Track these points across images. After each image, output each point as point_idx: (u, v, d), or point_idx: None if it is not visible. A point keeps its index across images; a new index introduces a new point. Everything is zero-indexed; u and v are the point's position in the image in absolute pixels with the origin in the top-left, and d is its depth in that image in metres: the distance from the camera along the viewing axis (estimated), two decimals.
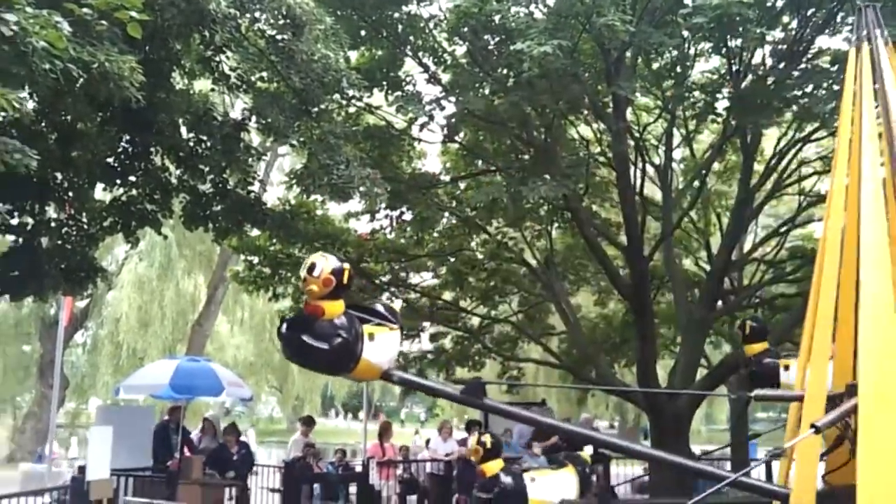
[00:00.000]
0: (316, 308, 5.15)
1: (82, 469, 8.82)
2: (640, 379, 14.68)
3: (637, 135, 14.02)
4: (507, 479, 8.31)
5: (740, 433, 17.62)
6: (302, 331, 5.14)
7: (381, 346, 5.71)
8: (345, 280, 5.21)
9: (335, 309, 5.19)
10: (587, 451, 10.62)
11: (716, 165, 15.82)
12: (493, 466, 7.89)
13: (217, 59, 10.23)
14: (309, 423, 13.71)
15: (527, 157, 13.50)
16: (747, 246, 17.41)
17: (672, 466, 8.40)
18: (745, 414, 19.44)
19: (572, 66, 10.63)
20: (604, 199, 15.05)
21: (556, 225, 16.05)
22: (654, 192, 16.04)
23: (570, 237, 16.57)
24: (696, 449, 16.34)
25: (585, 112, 13.54)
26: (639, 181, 14.13)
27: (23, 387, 29.36)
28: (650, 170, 15.06)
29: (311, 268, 5.10)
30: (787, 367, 9.13)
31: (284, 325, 5.42)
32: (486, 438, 7.95)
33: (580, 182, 13.06)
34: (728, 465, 14.17)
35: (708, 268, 16.09)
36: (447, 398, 8.18)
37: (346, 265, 5.28)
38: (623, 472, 15.00)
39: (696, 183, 14.98)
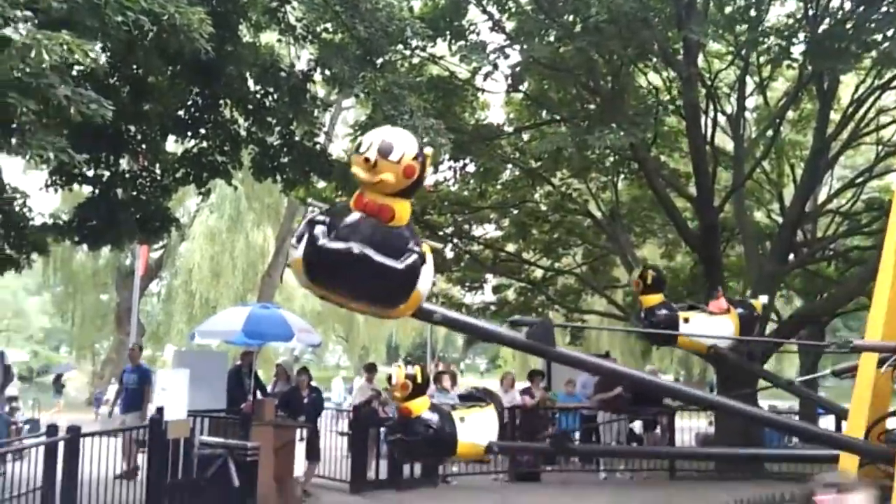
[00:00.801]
0: (383, 208, 3.58)
1: (160, 410, 9.19)
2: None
3: (708, 82, 13.60)
4: (433, 418, 7.68)
5: (809, 388, 17.25)
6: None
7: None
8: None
9: (405, 213, 3.68)
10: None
11: (790, 114, 15.29)
12: (419, 405, 6.92)
13: (283, 10, 10.29)
14: (371, 370, 13.99)
15: (593, 105, 13.27)
16: (821, 197, 16.88)
17: (740, 416, 8.30)
18: (815, 369, 19.03)
19: (641, 10, 10.35)
20: (673, 148, 14.71)
21: (622, 176, 15.80)
22: (725, 141, 15.61)
23: (636, 188, 16.30)
24: (764, 404, 16.12)
25: (655, 58, 13.19)
26: (709, 130, 13.75)
27: (101, 334, 30.65)
28: (721, 118, 14.64)
29: (387, 150, 3.47)
30: (686, 320, 9.00)
31: (318, 227, 3.58)
32: (416, 371, 6.71)
33: (648, 131, 12.76)
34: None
35: (780, 220, 15.67)
36: (506, 343, 7.97)
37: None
38: (689, 426, 14.98)
39: (770, 132, 14.52)
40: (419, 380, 5.25)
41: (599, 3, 9.35)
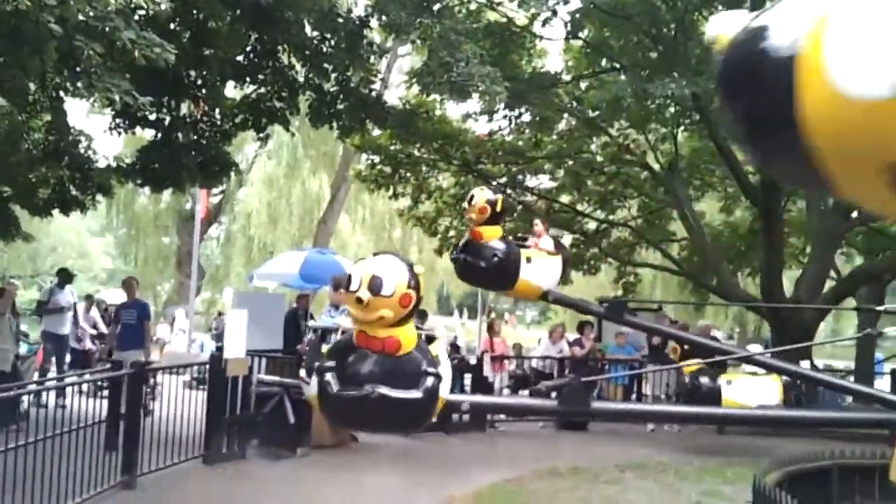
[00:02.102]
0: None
1: (220, 348, 9.50)
2: (764, 289, 14.25)
3: None
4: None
5: (867, 348, 16.92)
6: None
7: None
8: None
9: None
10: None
11: None
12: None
13: None
14: (422, 316, 14.18)
15: (654, 54, 12.96)
16: None
17: (790, 376, 8.23)
18: (874, 327, 18.62)
19: None
20: None
21: (682, 127, 15.45)
22: None
23: (696, 140, 15.96)
24: (820, 363, 15.89)
25: (720, 6, 12.77)
26: None
27: (162, 276, 31.52)
28: None
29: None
30: (529, 260, 8.69)
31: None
32: (498, 198, 6.68)
33: (711, 81, 12.41)
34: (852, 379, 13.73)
35: None
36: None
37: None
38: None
39: None
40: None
41: None
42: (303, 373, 3.86)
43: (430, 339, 5.05)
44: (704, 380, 9.27)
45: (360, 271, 3.21)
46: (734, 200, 17.44)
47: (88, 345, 13.59)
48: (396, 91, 20.04)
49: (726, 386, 8.12)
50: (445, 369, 4.06)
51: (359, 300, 3.14)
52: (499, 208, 5.88)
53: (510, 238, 6.37)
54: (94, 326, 13.90)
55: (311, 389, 3.52)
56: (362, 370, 3.45)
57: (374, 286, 3.19)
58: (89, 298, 14.82)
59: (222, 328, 15.48)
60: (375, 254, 3.40)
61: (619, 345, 13.57)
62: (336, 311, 3.90)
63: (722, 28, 1.93)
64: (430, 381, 3.58)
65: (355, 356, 3.38)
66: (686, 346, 10.18)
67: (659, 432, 11.67)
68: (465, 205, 5.96)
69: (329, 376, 3.40)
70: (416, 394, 3.52)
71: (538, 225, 7.06)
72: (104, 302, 16.10)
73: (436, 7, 10.31)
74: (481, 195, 5.83)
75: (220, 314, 19.20)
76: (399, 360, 3.59)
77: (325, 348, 3.76)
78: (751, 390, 8.92)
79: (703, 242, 15.10)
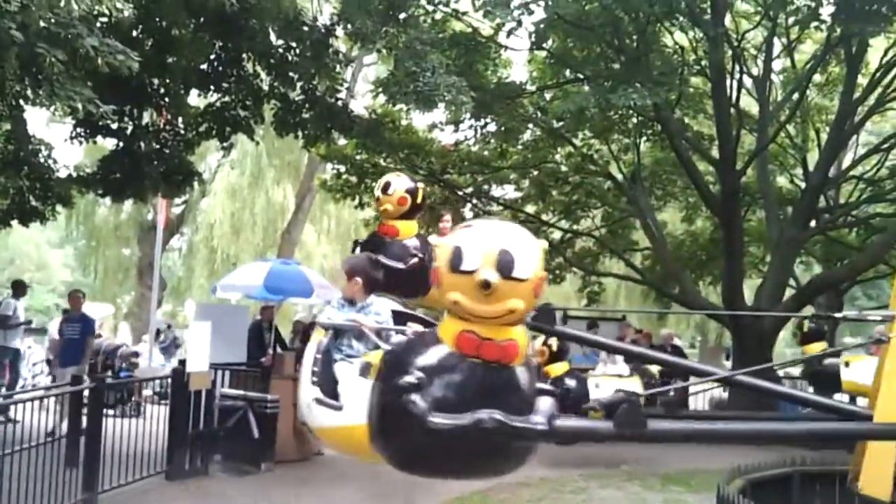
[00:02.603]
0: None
1: (183, 362, 9.34)
2: (725, 298, 14.47)
3: (735, 43, 13.39)
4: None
5: (825, 355, 17.20)
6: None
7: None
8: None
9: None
10: (654, 368, 10.65)
11: (817, 77, 15.06)
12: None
13: None
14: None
15: (617, 65, 13.11)
16: (846, 163, 16.66)
17: (749, 389, 8.30)
18: (833, 336, 18.99)
19: None
20: (697, 110, 14.53)
21: (644, 137, 15.66)
22: (750, 104, 15.42)
23: (658, 150, 16.18)
24: (780, 372, 16.11)
25: (681, 17, 12.98)
26: (735, 92, 13.57)
27: (122, 288, 30.94)
28: (747, 80, 14.46)
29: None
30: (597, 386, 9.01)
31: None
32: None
33: (673, 92, 12.63)
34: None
35: (803, 185, 15.53)
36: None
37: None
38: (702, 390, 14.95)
39: (796, 95, 14.31)
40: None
41: None
42: (315, 392, 3.07)
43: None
44: (571, 382, 9.26)
45: (479, 245, 2.36)
46: (695, 210, 17.71)
47: None
48: (362, 100, 20.00)
49: (595, 389, 8.43)
50: None
51: (485, 284, 2.31)
52: (419, 200, 5.04)
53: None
54: None
55: (325, 417, 2.93)
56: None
57: (505, 266, 2.36)
58: (67, 313, 14.48)
59: (169, 341, 15.24)
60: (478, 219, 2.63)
61: (584, 354, 13.61)
62: (349, 307, 3.37)
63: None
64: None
65: (450, 368, 2.48)
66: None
67: None
68: (378, 193, 4.97)
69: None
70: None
71: (446, 219, 6.40)
72: None
73: (402, 16, 10.31)
74: (399, 183, 4.97)
75: (168, 326, 18.67)
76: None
77: (371, 356, 2.99)
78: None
79: (665, 252, 15.29)
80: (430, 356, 2.49)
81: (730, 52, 13.22)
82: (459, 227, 2.62)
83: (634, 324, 18.39)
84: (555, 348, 7.71)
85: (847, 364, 9.46)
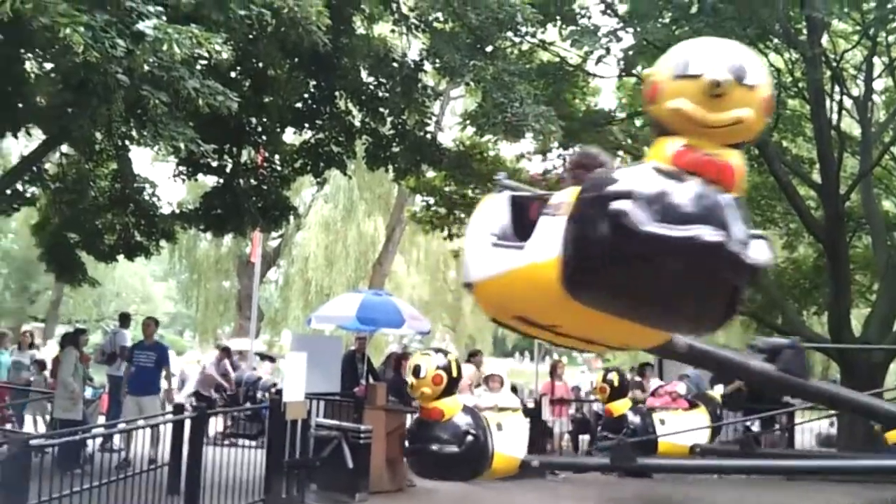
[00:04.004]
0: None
1: (279, 392, 9.51)
2: (832, 328, 13.78)
3: (834, 63, 12.89)
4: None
5: None
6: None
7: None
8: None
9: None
10: (717, 391, 10.08)
11: None
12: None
13: (396, 0, 10.43)
14: (477, 355, 14.05)
15: None
16: None
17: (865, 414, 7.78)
18: None
19: None
20: (796, 133, 14.04)
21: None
22: (851, 125, 14.79)
23: (756, 175, 15.64)
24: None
25: (776, 39, 12.61)
26: (835, 114, 13.05)
27: (223, 319, 32.03)
28: (847, 101, 13.87)
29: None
30: (662, 422, 8.48)
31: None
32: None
33: (769, 115, 12.23)
34: None
35: None
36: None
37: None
38: (809, 427, 14.26)
39: None
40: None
41: None
42: (490, 238, 3.10)
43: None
44: (636, 419, 8.75)
45: (707, 51, 2.49)
46: (796, 236, 17.02)
47: (214, 394, 13.87)
48: (450, 133, 20.24)
49: (660, 425, 7.73)
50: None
51: (715, 83, 2.35)
52: (454, 373, 4.94)
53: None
54: (225, 376, 14.13)
55: (502, 261, 2.87)
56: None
57: (736, 70, 2.39)
58: (225, 350, 14.97)
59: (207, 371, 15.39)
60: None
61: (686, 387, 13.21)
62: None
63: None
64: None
65: (664, 184, 2.36)
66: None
67: (725, 477, 11.26)
68: (410, 379, 4.87)
69: (629, 204, 2.27)
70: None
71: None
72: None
73: (489, 49, 10.38)
74: (429, 362, 4.91)
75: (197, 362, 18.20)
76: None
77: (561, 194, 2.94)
78: (684, 427, 8.48)
79: (766, 280, 14.70)
80: (639, 175, 2.25)
81: (828, 73, 12.73)
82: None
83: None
84: (615, 383, 7.21)
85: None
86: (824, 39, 12.62)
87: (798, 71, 13.29)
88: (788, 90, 13.43)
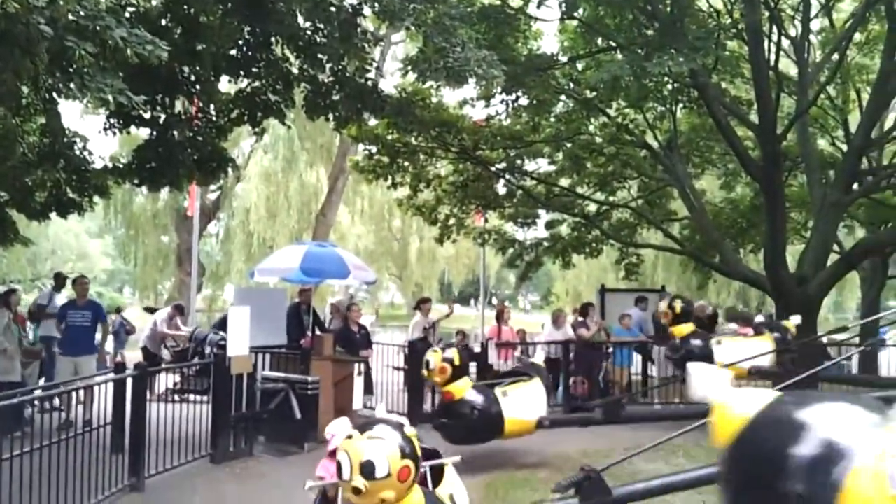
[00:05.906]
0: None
1: (223, 347, 9.43)
2: (767, 265, 14.18)
3: (771, 4, 13.00)
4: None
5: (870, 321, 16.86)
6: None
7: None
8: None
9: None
10: (794, 321, 10.47)
11: (857, 36, 14.58)
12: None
13: None
14: (426, 302, 14.09)
15: (651, 31, 12.81)
16: (888, 123, 16.19)
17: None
18: (877, 301, 18.58)
19: None
20: (734, 74, 14.16)
21: (680, 104, 15.32)
22: (788, 66, 15.01)
23: (695, 117, 15.85)
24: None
25: None
26: (773, 55, 13.20)
27: (163, 275, 31.45)
28: (785, 42, 14.03)
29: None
30: (719, 343, 9.43)
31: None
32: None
33: (709, 56, 12.27)
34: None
35: (845, 147, 15.11)
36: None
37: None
38: None
39: (835, 56, 13.88)
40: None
41: None
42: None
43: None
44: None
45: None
46: (734, 176, 17.37)
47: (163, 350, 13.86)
48: (392, 79, 19.91)
49: (503, 398, 7.70)
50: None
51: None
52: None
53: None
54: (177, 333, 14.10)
55: None
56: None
57: (426, 365, 3.65)
58: (178, 307, 14.68)
59: (118, 327, 15.16)
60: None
61: (624, 327, 13.53)
62: None
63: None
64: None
65: None
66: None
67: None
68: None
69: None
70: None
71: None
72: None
73: None
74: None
75: (117, 310, 17.40)
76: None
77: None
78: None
79: (704, 220, 15.01)
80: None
81: (766, 14, 12.84)
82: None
83: (674, 291, 18.23)
84: (456, 362, 6.93)
85: (719, 342, 9.52)
86: None
87: (737, 12, 13.37)
88: (727, 31, 13.51)
